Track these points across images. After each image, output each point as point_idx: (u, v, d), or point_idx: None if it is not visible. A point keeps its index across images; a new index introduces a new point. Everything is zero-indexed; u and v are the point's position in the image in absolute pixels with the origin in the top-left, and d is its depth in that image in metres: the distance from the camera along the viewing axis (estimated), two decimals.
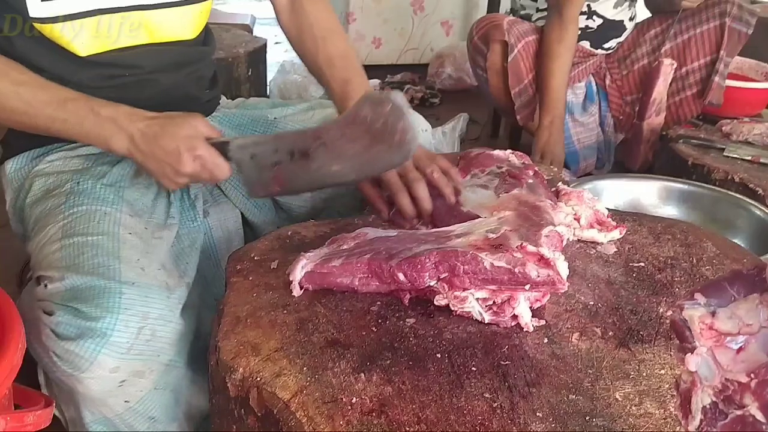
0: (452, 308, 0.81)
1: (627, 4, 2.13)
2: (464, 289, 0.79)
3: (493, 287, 0.78)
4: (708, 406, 0.48)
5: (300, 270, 0.84)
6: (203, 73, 1.23)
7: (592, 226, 1.01)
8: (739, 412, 0.45)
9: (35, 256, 0.95)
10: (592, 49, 2.19)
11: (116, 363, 0.83)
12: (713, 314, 0.46)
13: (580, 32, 2.11)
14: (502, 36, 2.03)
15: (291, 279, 0.84)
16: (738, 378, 0.45)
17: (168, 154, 0.92)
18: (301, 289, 0.84)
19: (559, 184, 1.05)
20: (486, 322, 0.80)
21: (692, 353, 0.48)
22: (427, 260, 0.79)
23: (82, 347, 0.81)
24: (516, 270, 0.76)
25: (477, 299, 0.80)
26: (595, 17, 2.13)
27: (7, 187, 1.10)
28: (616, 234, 1.01)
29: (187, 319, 0.94)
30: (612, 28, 2.14)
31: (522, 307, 0.79)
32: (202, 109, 1.21)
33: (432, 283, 0.80)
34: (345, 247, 0.87)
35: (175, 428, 0.97)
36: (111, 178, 1.03)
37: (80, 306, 0.83)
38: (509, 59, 2.04)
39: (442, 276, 0.79)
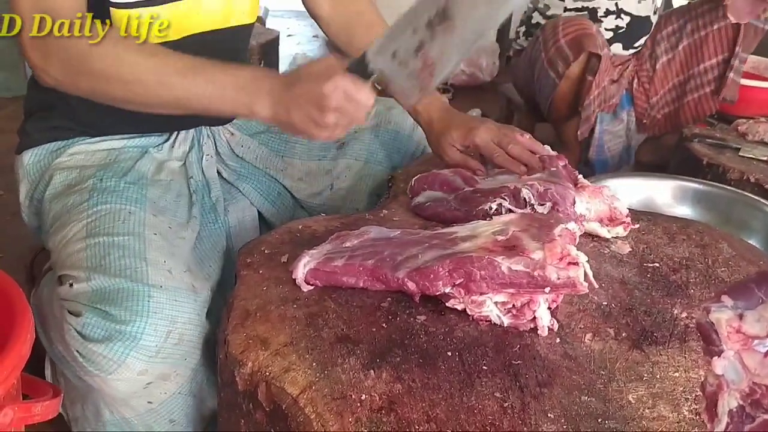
0: (469, 313, 0.79)
1: None
2: (481, 294, 0.78)
3: (512, 291, 0.77)
4: (734, 410, 0.47)
5: (302, 268, 0.83)
6: None
7: (600, 221, 0.99)
8: (766, 416, 0.44)
9: (57, 254, 0.95)
10: (624, 52, 2.16)
11: (144, 366, 0.83)
12: (740, 317, 0.45)
13: (611, 34, 2.09)
14: (595, 48, 1.93)
15: (293, 277, 0.83)
16: (766, 382, 0.44)
17: (309, 94, 0.85)
18: (309, 285, 0.84)
19: (580, 176, 1.04)
20: (505, 326, 0.79)
21: (719, 356, 0.47)
22: (441, 269, 0.78)
23: (111, 350, 0.81)
24: (535, 273, 0.75)
25: (495, 303, 0.78)
26: (623, 15, 2.09)
27: (23, 178, 1.09)
28: (620, 230, 0.99)
29: (211, 322, 0.93)
30: (640, 24, 2.11)
31: (542, 310, 0.78)
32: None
33: (446, 290, 0.79)
34: (348, 244, 0.86)
35: (191, 429, 0.97)
36: (133, 176, 1.02)
37: (109, 308, 0.82)
38: (597, 73, 1.95)
39: (457, 282, 0.78)
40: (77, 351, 0.83)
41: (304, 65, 0.89)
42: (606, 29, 2.09)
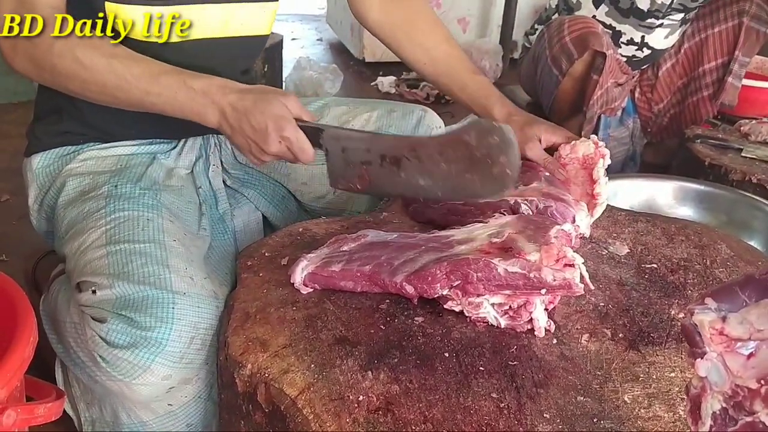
0: (467, 314, 0.80)
1: (679, 30, 2.05)
2: (478, 295, 0.78)
3: (508, 292, 0.78)
4: (718, 412, 0.47)
5: (300, 272, 0.84)
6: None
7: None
8: (749, 419, 0.45)
9: (74, 261, 0.95)
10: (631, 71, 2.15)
11: (168, 371, 0.84)
12: (724, 319, 0.46)
13: (624, 59, 2.07)
14: (600, 47, 1.87)
15: (291, 281, 0.84)
16: (748, 384, 0.44)
17: (256, 132, 0.92)
18: (308, 288, 0.84)
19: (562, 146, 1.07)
20: (502, 327, 0.79)
21: (702, 358, 0.47)
22: (438, 271, 0.78)
23: (136, 356, 0.82)
24: (531, 275, 0.75)
25: (492, 304, 0.79)
26: (645, 49, 2.07)
27: (31, 182, 1.10)
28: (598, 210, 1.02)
29: None
30: (655, 55, 2.08)
31: (538, 311, 0.78)
32: None
33: (444, 292, 0.80)
34: (345, 248, 0.87)
35: None
36: (146, 182, 1.03)
37: (133, 315, 0.83)
38: (602, 72, 1.90)
39: (454, 284, 0.78)
40: (100, 356, 0.84)
41: (264, 90, 0.94)
42: (622, 54, 2.04)
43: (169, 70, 0.93)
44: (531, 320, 0.79)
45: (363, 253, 0.85)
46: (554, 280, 0.75)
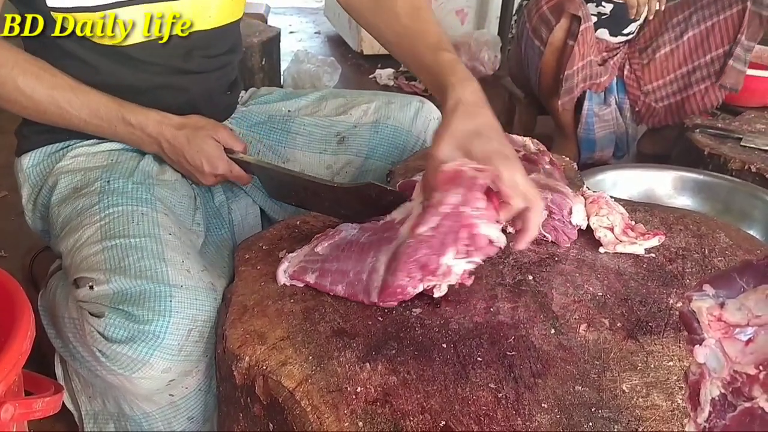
0: (457, 284, 0.79)
1: None
2: (437, 268, 0.75)
3: (469, 247, 0.74)
4: (717, 398, 0.47)
5: (282, 274, 0.84)
6: (228, 76, 1.23)
7: (626, 235, 0.94)
8: (747, 405, 0.44)
9: (70, 258, 0.95)
10: (611, 38, 2.14)
11: (168, 364, 0.84)
12: (722, 305, 0.46)
13: (595, 20, 2.07)
14: (576, 10, 1.91)
15: (278, 282, 0.84)
16: (747, 370, 0.44)
17: (193, 167, 1.04)
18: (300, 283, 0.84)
19: (585, 188, 1.03)
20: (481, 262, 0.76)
21: (701, 345, 0.47)
22: (400, 281, 0.76)
23: (135, 350, 0.82)
24: (447, 211, 0.73)
25: (455, 259, 0.75)
26: (604, 3, 2.08)
27: (23, 182, 1.10)
28: (654, 242, 0.95)
29: None
30: (625, 11, 2.05)
31: (488, 230, 0.74)
32: (221, 112, 1.21)
33: (421, 288, 0.78)
34: (319, 249, 0.86)
35: (207, 428, 0.98)
36: (139, 176, 1.03)
37: (131, 309, 0.83)
38: (578, 38, 1.93)
39: (419, 277, 0.76)
40: (99, 351, 0.84)
41: (197, 125, 1.04)
42: (590, 14, 2.07)
43: (108, 102, 1.00)
44: (491, 242, 0.75)
45: (332, 264, 0.83)
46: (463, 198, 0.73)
